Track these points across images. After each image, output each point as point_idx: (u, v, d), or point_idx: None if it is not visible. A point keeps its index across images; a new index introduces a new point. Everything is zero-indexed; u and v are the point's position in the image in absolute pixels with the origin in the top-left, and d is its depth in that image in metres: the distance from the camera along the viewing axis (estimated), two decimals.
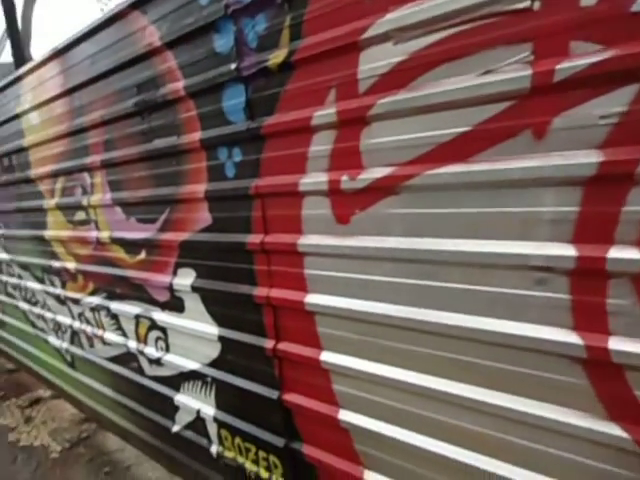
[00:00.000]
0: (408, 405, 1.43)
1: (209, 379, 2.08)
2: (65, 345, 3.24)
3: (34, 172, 3.01)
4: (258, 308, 1.77)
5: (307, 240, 1.55)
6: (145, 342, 2.45)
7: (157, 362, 2.39)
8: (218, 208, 1.83)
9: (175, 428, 2.38)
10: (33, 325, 3.65)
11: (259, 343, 1.79)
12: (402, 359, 1.41)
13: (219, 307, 1.93)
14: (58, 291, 3.15)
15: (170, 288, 2.16)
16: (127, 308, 2.49)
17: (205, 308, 2.00)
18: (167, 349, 2.30)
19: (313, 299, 1.58)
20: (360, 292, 1.45)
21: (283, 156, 1.55)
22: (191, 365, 2.16)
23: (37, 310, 3.50)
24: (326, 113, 1.38)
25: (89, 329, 2.90)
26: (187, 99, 1.80)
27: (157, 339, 2.36)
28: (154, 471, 2.61)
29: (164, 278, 2.17)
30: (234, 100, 1.64)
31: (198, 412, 2.17)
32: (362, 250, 1.41)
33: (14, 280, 3.76)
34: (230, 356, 1.94)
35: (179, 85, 1.81)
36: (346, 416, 1.59)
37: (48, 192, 2.94)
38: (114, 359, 2.74)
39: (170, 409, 2.38)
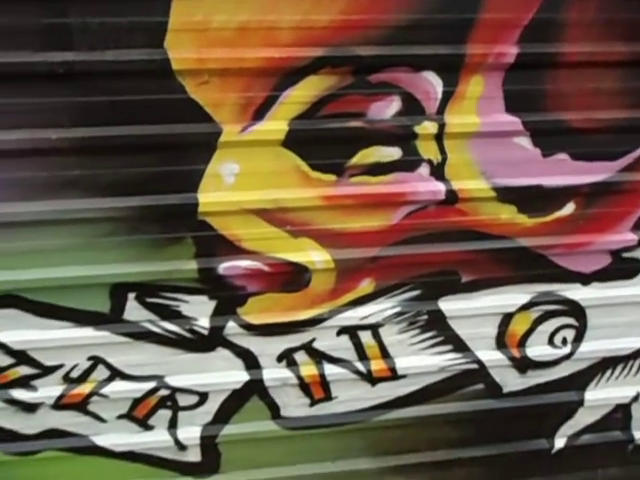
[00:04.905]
0: None
1: None
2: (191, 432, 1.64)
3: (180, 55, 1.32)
4: None
5: None
6: (519, 344, 1.74)
7: (545, 364, 1.77)
8: None
9: (559, 443, 1.86)
10: None
11: None
12: None
13: None
14: (201, 322, 1.55)
15: (617, 250, 1.69)
16: (491, 301, 1.68)
17: None
18: (579, 338, 1.76)
19: None
20: None
21: None
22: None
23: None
24: None
25: (333, 370, 1.65)
26: None
27: (558, 329, 1.75)
28: None
29: (613, 236, 1.67)
30: None
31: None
32: None
33: None
34: None
35: None
36: None
37: (239, 107, 1.38)
38: (408, 398, 1.72)
39: (551, 420, 1.84)
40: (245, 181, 1.49)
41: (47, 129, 1.35)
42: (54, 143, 1.35)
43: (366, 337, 1.69)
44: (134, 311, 1.56)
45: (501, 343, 1.76)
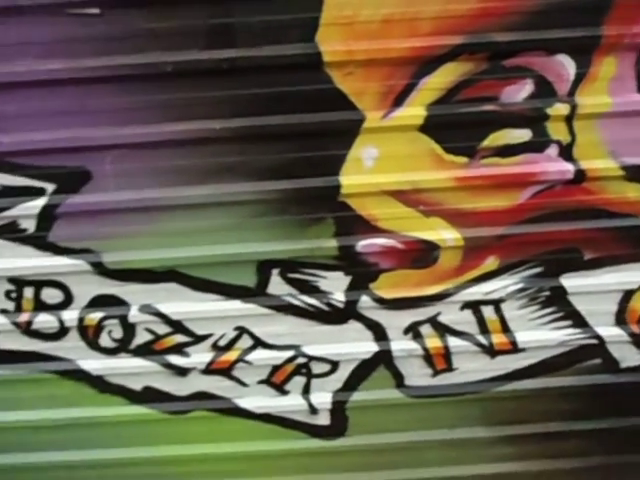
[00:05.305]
0: None
1: None
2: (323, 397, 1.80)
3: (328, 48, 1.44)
4: None
5: None
6: None
7: None
8: None
9: None
10: None
11: None
12: None
13: None
14: (337, 296, 1.70)
15: None
16: (612, 278, 1.72)
17: None
18: None
19: None
20: None
21: None
22: None
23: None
24: None
25: (455, 342, 1.76)
26: None
27: None
28: None
29: None
30: None
31: None
32: None
33: None
34: None
35: None
36: None
37: (380, 95, 1.50)
38: (526, 371, 1.81)
39: None
40: (383, 164, 1.60)
41: (212, 120, 1.51)
42: (218, 133, 1.52)
43: (488, 312, 1.77)
44: (277, 286, 1.71)
45: (621, 319, 1.80)
